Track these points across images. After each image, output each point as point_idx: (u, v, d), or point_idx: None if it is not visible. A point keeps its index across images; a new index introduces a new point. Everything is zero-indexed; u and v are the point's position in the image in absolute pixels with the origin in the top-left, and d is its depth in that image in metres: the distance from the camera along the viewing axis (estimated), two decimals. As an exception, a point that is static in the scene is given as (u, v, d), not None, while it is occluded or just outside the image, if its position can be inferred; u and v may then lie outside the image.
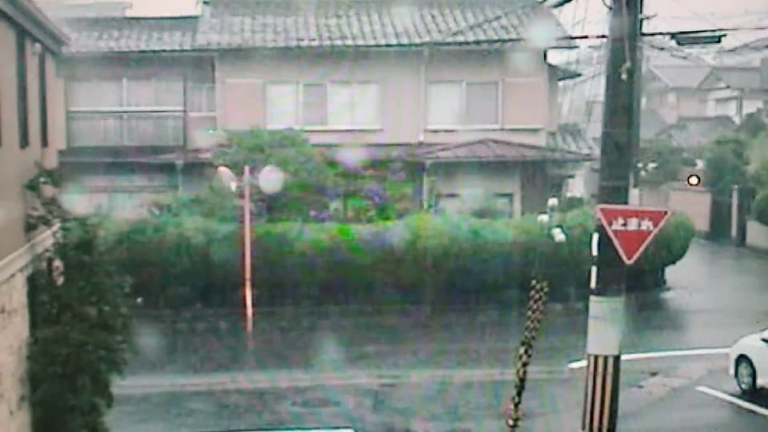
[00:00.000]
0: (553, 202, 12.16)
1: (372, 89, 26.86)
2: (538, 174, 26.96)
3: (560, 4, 15.68)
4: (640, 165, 34.73)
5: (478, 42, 26.34)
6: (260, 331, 19.93)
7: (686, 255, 25.65)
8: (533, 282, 11.26)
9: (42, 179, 11.39)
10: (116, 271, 11.79)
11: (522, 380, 12.47)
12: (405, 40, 26.60)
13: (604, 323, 9.55)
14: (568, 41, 26.28)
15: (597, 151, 12.65)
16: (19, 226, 10.88)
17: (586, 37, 20.26)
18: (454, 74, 26.85)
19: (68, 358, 10.61)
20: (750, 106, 48.95)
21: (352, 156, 23.24)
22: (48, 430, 10.91)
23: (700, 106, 56.08)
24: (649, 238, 9.40)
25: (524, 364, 11.90)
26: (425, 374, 16.88)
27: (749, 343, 15.61)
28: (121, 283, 11.71)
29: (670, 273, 25.77)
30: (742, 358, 15.60)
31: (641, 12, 9.58)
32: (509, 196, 26.64)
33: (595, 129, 22.16)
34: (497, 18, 27.36)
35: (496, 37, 26.46)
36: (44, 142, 12.79)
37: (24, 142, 11.29)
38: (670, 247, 24.03)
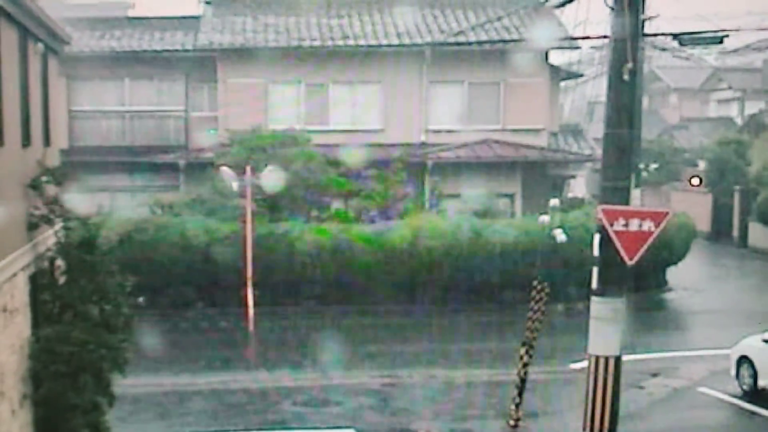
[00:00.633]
0: (554, 202, 12.20)
1: (374, 89, 26.87)
2: (540, 174, 26.98)
3: (562, 5, 15.74)
4: (641, 166, 34.69)
5: (479, 42, 26.36)
6: (262, 330, 19.93)
7: (688, 256, 25.65)
8: (534, 282, 11.30)
9: (44, 178, 11.40)
10: (118, 271, 11.80)
11: (523, 380, 12.47)
12: (407, 41, 26.62)
13: (606, 324, 9.55)
14: (570, 42, 26.32)
15: (598, 152, 12.67)
16: (21, 226, 10.89)
17: (587, 37, 20.39)
18: (455, 74, 26.86)
19: (70, 357, 10.62)
20: (752, 107, 48.91)
21: (353, 156, 23.25)
22: (50, 428, 10.93)
23: (701, 106, 56.05)
24: (651, 239, 9.41)
25: (525, 365, 11.91)
26: (427, 374, 16.87)
27: (750, 344, 15.60)
28: (122, 282, 11.73)
29: (672, 274, 25.77)
30: (743, 359, 15.58)
31: (643, 12, 9.57)
32: (511, 196, 26.66)
33: (596, 129, 22.23)
34: (499, 18, 27.39)
35: (497, 38, 26.47)
36: (46, 142, 12.81)
37: (26, 141, 11.31)
38: (671, 248, 24.02)
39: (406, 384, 16.39)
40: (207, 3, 28.53)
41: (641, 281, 21.72)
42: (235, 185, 20.79)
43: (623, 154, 9.56)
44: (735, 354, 15.81)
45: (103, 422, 11.49)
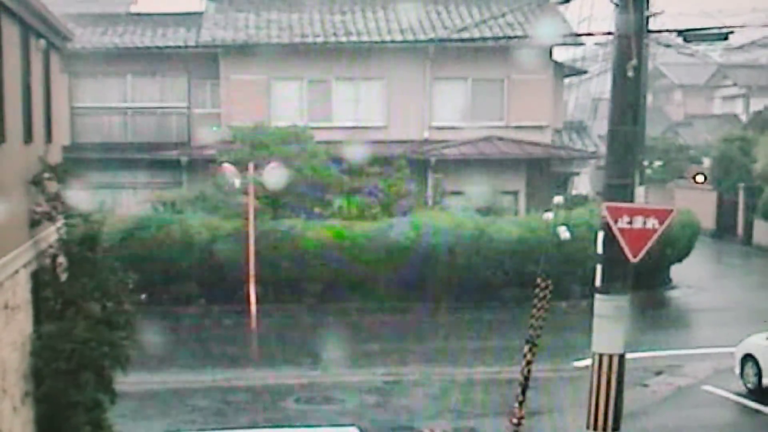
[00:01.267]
0: (558, 199, 12.13)
1: (377, 86, 26.82)
2: (544, 171, 26.92)
3: (566, 1, 15.68)
4: (646, 163, 34.57)
5: (483, 39, 26.28)
6: (264, 327, 19.91)
7: (692, 253, 25.58)
8: (538, 280, 11.22)
9: (46, 175, 11.38)
10: (120, 268, 11.79)
11: (527, 378, 12.43)
12: (410, 37, 26.56)
13: (609, 322, 9.49)
14: (574, 38, 26.24)
15: (602, 149, 12.64)
16: (23, 222, 10.87)
17: (592, 34, 20.32)
18: (459, 71, 26.80)
19: (72, 354, 10.60)
20: (757, 104, 48.76)
21: (356, 153, 23.20)
22: (51, 426, 10.91)
23: (706, 103, 55.93)
24: (655, 236, 9.33)
25: (529, 363, 11.87)
26: (430, 371, 16.84)
27: (755, 342, 15.55)
28: (124, 279, 11.71)
29: (676, 271, 25.71)
30: (747, 358, 15.54)
31: (648, 9, 9.50)
32: (514, 193, 26.61)
33: (600, 126, 22.15)
34: (503, 15, 27.32)
35: (501, 34, 26.39)
36: (48, 138, 12.79)
37: (28, 137, 11.28)
38: (675, 246, 23.96)
39: (409, 381, 16.36)
40: (209, -1, 28.51)
41: (645, 279, 21.63)
42: (237, 182, 20.75)
43: (627, 151, 9.49)
44: (739, 352, 15.76)
45: (105, 419, 11.48)
